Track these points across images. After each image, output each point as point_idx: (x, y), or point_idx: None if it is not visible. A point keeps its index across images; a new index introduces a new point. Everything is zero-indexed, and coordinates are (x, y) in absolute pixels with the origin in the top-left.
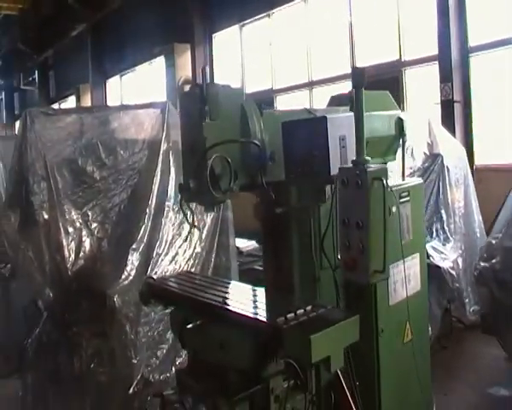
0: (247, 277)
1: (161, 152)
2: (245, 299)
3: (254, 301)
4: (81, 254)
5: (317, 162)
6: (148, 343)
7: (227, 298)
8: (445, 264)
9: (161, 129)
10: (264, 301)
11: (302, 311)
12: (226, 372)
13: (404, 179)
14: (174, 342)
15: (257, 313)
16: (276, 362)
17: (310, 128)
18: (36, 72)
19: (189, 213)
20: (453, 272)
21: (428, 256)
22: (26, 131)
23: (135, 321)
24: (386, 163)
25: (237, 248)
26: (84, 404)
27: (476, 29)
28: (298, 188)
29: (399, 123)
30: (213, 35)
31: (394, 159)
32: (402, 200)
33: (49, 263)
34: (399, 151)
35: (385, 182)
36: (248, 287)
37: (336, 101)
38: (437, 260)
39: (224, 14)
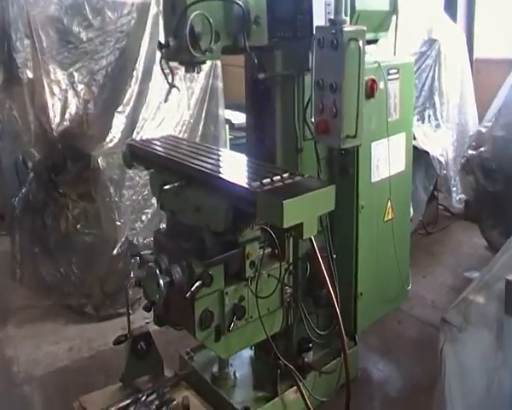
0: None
1: (150, 15)
2: (225, 164)
3: (234, 167)
4: (66, 115)
5: (300, 26)
6: (133, 207)
7: (206, 162)
8: (435, 151)
9: None
10: (244, 167)
11: (279, 177)
12: (202, 235)
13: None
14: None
15: (234, 178)
16: (252, 228)
17: None
18: None
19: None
20: (442, 159)
21: (416, 140)
22: None
23: (119, 184)
24: (377, 39)
25: (228, 120)
26: (70, 262)
27: None
28: (281, 54)
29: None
30: None
31: (386, 35)
32: (390, 76)
33: (33, 123)
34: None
35: (361, 44)
36: (231, 153)
37: None
38: (427, 145)
39: None
